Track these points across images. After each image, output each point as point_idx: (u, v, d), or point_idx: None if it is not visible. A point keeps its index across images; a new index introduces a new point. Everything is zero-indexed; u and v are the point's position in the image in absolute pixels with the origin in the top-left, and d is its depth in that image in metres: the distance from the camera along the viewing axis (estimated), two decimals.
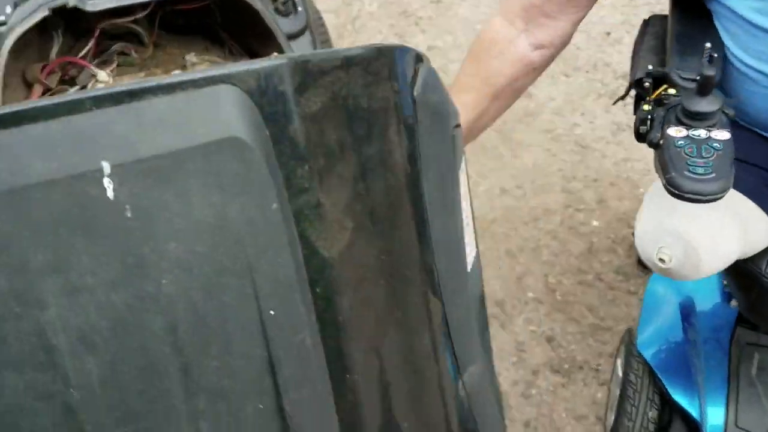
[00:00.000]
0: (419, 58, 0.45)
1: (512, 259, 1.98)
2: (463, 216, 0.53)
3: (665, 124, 0.83)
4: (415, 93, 0.44)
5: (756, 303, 1.01)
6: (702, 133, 0.81)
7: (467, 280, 0.52)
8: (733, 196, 0.94)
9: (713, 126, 0.81)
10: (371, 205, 0.42)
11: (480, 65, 1.08)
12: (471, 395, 0.54)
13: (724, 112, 0.84)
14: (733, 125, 0.89)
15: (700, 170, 0.76)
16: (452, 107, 0.50)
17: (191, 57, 1.26)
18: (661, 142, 0.81)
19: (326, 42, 2.18)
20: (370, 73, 0.41)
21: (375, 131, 0.41)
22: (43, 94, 1.21)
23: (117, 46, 1.30)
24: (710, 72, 0.78)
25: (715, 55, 0.81)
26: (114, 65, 1.28)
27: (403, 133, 0.43)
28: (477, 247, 0.59)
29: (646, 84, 0.90)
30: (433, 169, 0.46)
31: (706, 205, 0.81)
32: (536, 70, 1.09)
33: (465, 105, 1.07)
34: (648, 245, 0.93)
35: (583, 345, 1.78)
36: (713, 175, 0.76)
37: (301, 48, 1.89)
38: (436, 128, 0.46)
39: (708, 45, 0.81)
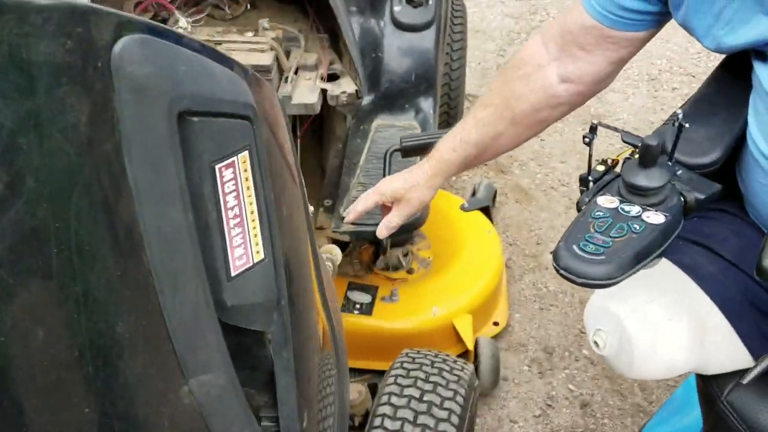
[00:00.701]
0: (131, 27, 0.44)
1: (582, 309, 1.83)
2: (228, 214, 0.51)
3: (605, 190, 0.72)
4: (111, 62, 0.43)
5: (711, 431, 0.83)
6: (635, 210, 0.69)
7: (201, 280, 0.50)
8: (703, 303, 0.79)
9: (655, 205, 0.69)
10: (34, 166, 0.42)
11: (505, 84, 1.01)
12: (204, 405, 0.52)
13: (682, 195, 0.71)
14: (741, 220, 0.75)
15: (591, 248, 0.65)
16: (193, 87, 0.47)
17: (264, 22, 1.32)
18: (583, 207, 0.70)
19: (460, 41, 2.15)
20: (43, 27, 0.41)
21: (37, 85, 0.41)
22: None
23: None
24: (652, 142, 0.66)
25: (685, 124, 0.68)
26: (202, 15, 1.38)
27: (83, 98, 0.43)
28: (273, 255, 0.56)
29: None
30: (141, 149, 0.45)
31: (663, 301, 0.70)
32: (562, 105, 0.99)
33: (481, 120, 1.00)
34: (589, 322, 0.82)
35: (618, 423, 1.61)
36: (602, 257, 0.64)
37: (424, 41, 1.90)
38: (142, 107, 0.45)
39: (678, 112, 0.68)
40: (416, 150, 1.44)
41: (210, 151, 0.47)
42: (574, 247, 0.65)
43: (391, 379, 1.09)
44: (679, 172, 0.75)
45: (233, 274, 0.52)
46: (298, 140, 1.41)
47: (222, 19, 1.40)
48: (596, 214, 0.69)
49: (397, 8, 1.85)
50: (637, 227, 0.67)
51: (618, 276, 0.64)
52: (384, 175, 1.49)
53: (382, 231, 1.13)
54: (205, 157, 0.47)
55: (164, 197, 0.46)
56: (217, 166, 0.48)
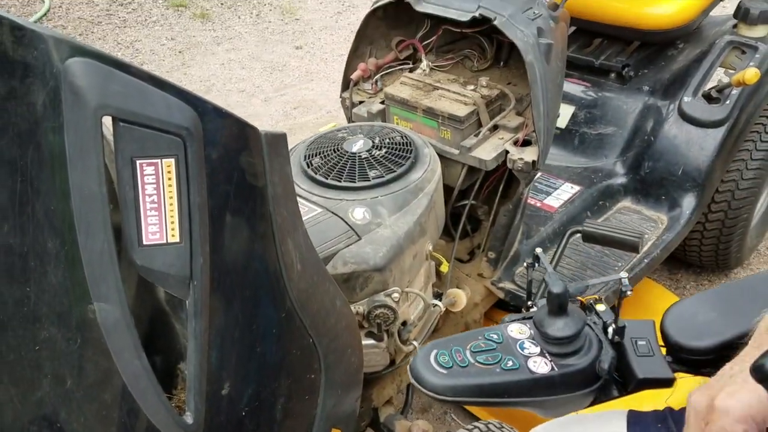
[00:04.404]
0: (82, 52, 0.62)
1: None
2: (146, 199, 0.68)
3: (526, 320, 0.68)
4: (63, 72, 0.64)
5: None
6: (530, 350, 0.64)
7: (106, 234, 0.67)
8: None
9: (563, 355, 0.63)
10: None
11: None
12: (104, 328, 0.67)
13: (614, 374, 0.63)
14: None
15: (443, 360, 0.63)
16: (107, 98, 0.62)
17: (483, 80, 1.42)
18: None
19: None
20: (23, 38, 0.61)
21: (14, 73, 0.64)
22: (392, 60, 1.59)
23: (464, 50, 1.56)
24: (557, 290, 0.61)
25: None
26: (451, 62, 1.55)
27: (42, 88, 0.63)
28: (191, 243, 0.71)
29: None
30: (73, 134, 0.62)
31: None
32: None
33: None
34: None
35: None
36: (445, 373, 0.62)
37: (706, 139, 1.72)
38: (76, 106, 0.61)
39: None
40: (598, 239, 1.39)
41: (133, 149, 0.67)
42: (436, 351, 0.66)
43: None
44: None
45: (144, 243, 0.70)
46: (486, 188, 1.49)
47: (470, 69, 1.55)
48: (489, 335, 0.66)
49: (686, 98, 1.74)
50: (510, 364, 0.63)
51: (443, 394, 0.63)
52: (554, 254, 1.43)
53: None
54: (128, 152, 0.67)
55: (86, 170, 0.66)
56: (138, 161, 0.67)
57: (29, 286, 0.72)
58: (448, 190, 1.40)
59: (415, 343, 1.24)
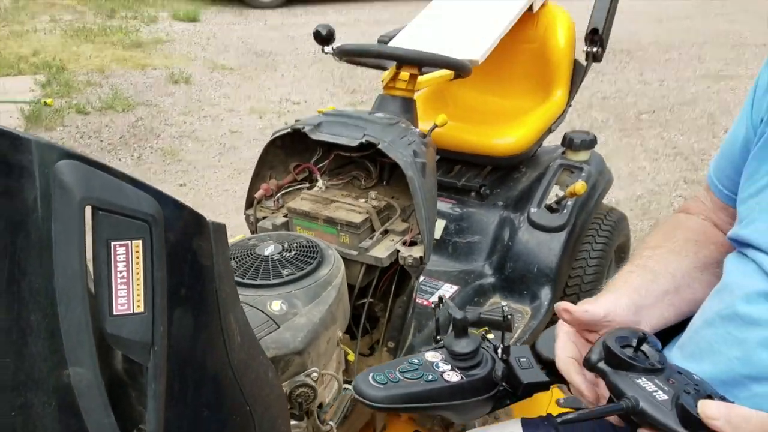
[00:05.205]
0: (70, 155, 0.80)
1: None
2: (117, 275, 0.83)
3: (440, 350, 0.87)
4: (53, 172, 0.80)
5: None
6: (443, 367, 0.83)
7: (83, 306, 0.80)
8: None
9: (466, 368, 0.82)
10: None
11: None
12: (78, 390, 0.81)
13: (512, 371, 0.83)
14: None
15: (380, 378, 0.80)
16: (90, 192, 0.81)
17: (372, 194, 1.67)
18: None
19: (600, 250, 2.24)
20: (19, 145, 0.79)
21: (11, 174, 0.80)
22: (290, 182, 1.81)
23: (353, 172, 1.81)
24: (459, 316, 0.81)
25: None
26: (342, 181, 1.79)
27: (33, 185, 0.79)
28: (153, 313, 0.86)
29: None
30: (60, 223, 0.78)
31: None
32: None
33: None
34: None
35: None
36: (381, 387, 0.79)
37: (551, 242, 2.08)
38: (64, 199, 0.77)
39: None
40: (474, 323, 1.61)
41: (109, 232, 0.81)
42: (373, 373, 0.83)
43: None
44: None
45: (115, 313, 0.83)
46: (381, 286, 1.69)
47: (359, 187, 1.80)
48: (412, 360, 0.85)
49: (533, 210, 2.11)
50: (430, 377, 0.81)
51: (382, 402, 0.80)
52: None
53: None
54: (104, 235, 0.81)
55: (69, 251, 0.80)
56: (112, 243, 0.82)
57: (9, 357, 0.81)
58: (349, 289, 1.59)
59: (331, 423, 1.36)
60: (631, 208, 3.76)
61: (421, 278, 1.69)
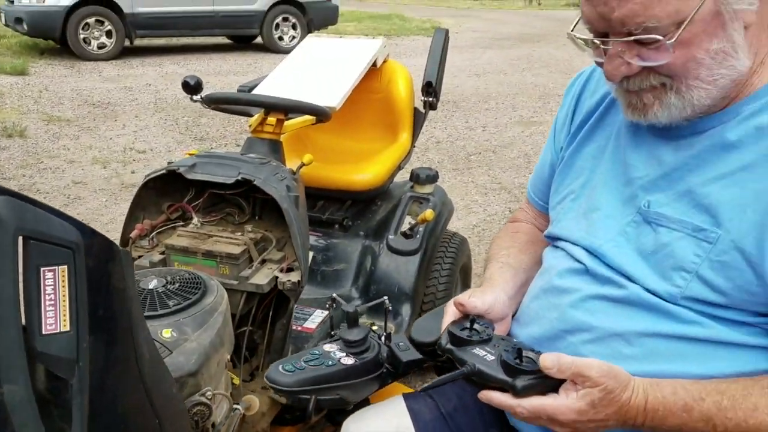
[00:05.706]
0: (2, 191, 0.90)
1: None
2: (46, 297, 0.91)
3: (335, 342, 1.04)
4: None
5: None
6: (339, 354, 1.00)
7: (16, 327, 0.89)
8: None
9: (356, 353, 1.00)
10: None
11: None
12: (11, 406, 0.89)
13: (393, 353, 1.02)
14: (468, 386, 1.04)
15: (289, 368, 0.96)
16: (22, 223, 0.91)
17: (248, 227, 1.81)
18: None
19: (448, 270, 2.54)
20: None
21: None
22: (165, 221, 1.89)
23: (226, 209, 1.94)
24: (351, 309, 0.99)
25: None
26: (217, 218, 1.91)
27: None
28: (77, 331, 0.95)
29: None
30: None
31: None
32: None
33: None
34: None
35: None
36: (290, 373, 0.95)
37: (408, 264, 2.33)
38: (1, 237, 0.88)
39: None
40: None
41: (38, 259, 0.90)
42: (281, 365, 0.98)
43: None
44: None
45: (44, 332, 0.91)
46: (260, 313, 1.82)
47: (233, 223, 1.92)
48: (313, 351, 1.01)
49: (391, 237, 2.36)
50: (329, 363, 0.98)
51: (292, 386, 0.95)
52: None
53: None
54: (34, 261, 0.90)
55: (4, 279, 0.88)
56: (41, 268, 0.90)
57: None
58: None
59: None
60: (469, 235, 4.16)
61: (294, 306, 1.84)
